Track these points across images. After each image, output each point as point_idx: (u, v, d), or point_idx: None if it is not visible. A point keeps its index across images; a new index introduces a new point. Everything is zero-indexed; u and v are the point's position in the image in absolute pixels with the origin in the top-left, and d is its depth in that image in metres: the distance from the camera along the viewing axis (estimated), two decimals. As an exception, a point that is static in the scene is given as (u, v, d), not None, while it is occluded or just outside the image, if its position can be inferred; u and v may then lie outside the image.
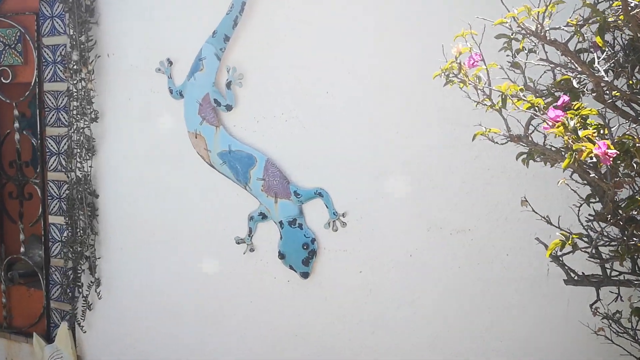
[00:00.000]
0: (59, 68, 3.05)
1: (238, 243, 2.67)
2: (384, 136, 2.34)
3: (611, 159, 1.13)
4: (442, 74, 1.37)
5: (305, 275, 2.52)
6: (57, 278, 3.18)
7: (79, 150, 2.98)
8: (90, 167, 3.00)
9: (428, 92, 2.22)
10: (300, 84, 2.48)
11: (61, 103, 3.07)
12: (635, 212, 1.31)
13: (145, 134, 2.90)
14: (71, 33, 2.91)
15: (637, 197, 1.31)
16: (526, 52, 1.42)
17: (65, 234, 3.08)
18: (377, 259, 2.40)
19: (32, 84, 3.14)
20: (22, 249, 3.30)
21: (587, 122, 1.23)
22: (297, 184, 2.52)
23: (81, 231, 3.01)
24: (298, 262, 2.51)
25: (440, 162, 2.24)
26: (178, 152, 2.80)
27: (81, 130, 2.96)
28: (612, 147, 1.14)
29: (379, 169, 2.36)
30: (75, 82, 2.94)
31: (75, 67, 2.91)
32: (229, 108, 2.62)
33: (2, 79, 3.25)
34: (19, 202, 3.30)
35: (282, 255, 2.54)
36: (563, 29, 1.40)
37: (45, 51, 3.10)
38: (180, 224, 2.85)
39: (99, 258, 3.06)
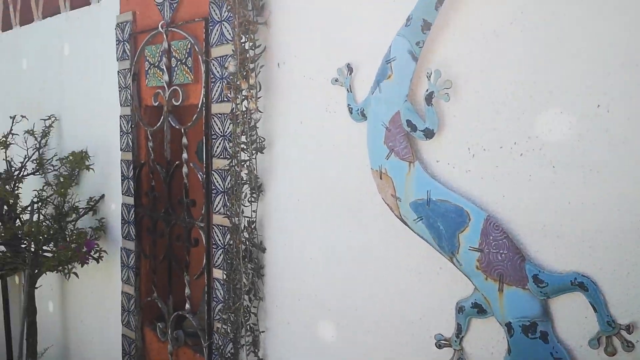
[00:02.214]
0: (225, 85, 2.41)
1: (440, 347, 1.70)
2: None
3: None
4: None
5: (550, 423, 1.46)
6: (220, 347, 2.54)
7: (237, 190, 2.29)
8: (254, 211, 2.29)
9: None
10: (546, 94, 1.45)
11: (227, 128, 2.42)
12: None
13: (318, 169, 2.10)
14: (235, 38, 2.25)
15: None
16: None
17: (225, 295, 2.42)
18: (700, 423, 1.25)
19: (199, 105, 2.55)
20: (187, 305, 2.73)
21: None
22: (540, 262, 1.48)
23: (244, 294, 2.32)
24: (538, 398, 1.47)
25: None
26: (360, 198, 1.95)
27: (243, 164, 2.28)
28: None
29: None
30: (238, 101, 2.26)
31: (236, 81, 2.24)
32: (428, 134, 1.68)
33: (173, 100, 2.74)
34: (185, 248, 2.75)
35: (509, 383, 1.51)
36: None
37: (213, 64, 2.49)
38: (360, 302, 1.98)
39: (262, 331, 2.34)
